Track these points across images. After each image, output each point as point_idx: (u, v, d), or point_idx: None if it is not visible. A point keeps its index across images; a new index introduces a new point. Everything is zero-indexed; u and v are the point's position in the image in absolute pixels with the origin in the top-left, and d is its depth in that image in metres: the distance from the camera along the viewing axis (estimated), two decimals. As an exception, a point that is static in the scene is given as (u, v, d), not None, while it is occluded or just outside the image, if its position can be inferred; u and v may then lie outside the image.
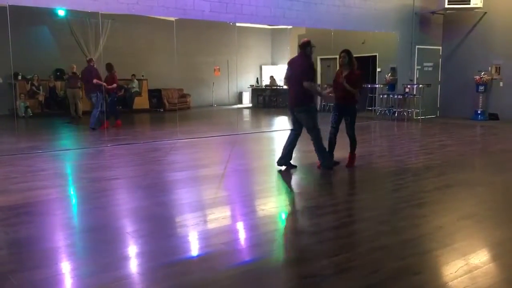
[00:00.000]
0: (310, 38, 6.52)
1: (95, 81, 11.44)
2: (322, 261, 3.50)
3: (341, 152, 7.18)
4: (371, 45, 15.15)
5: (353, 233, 4.11)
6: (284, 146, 6.82)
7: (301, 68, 6.45)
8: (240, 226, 4.52)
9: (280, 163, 6.85)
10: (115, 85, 11.75)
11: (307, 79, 6.33)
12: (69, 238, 4.15)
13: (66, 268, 3.49)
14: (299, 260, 3.60)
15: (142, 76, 16.52)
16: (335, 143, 6.91)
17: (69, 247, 3.92)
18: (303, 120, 6.60)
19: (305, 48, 6.47)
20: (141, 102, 16.52)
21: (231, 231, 4.39)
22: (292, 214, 4.83)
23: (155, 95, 17.16)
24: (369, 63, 15.88)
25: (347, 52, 6.67)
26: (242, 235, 4.27)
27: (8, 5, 7.94)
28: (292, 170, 6.78)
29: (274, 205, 5.16)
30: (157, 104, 17.19)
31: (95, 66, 11.65)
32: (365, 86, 15.17)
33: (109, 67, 11.90)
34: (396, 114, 14.36)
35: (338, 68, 6.93)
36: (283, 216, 4.80)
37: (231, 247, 3.90)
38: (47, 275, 3.28)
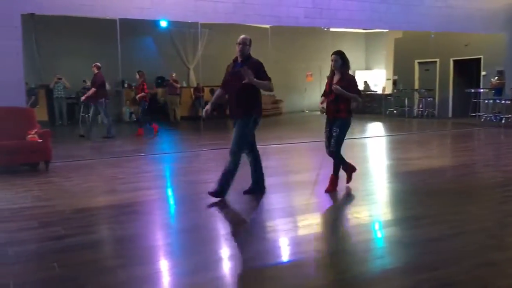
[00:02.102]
0: (244, 35, 5.43)
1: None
2: (421, 275, 3.32)
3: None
4: (475, 47, 14.23)
5: (455, 247, 3.86)
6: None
7: None
8: (334, 233, 4.44)
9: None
10: (143, 94, 11.45)
11: None
12: (168, 237, 4.38)
13: (164, 266, 3.67)
14: (396, 272, 3.45)
15: (236, 82, 16.95)
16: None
17: (167, 246, 4.12)
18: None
19: None
20: (235, 108, 16.95)
21: (324, 238, 4.34)
22: (388, 224, 4.64)
23: (248, 101, 17.49)
24: (472, 66, 14.94)
25: (339, 54, 5.63)
26: (336, 243, 4.20)
27: (118, 18, 8.60)
28: (387, 177, 6.54)
29: (368, 213, 5.00)
30: (250, 110, 17.51)
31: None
32: (468, 90, 14.28)
33: (140, 75, 11.66)
34: (503, 121, 13.29)
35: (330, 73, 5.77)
36: (378, 226, 4.63)
37: (324, 254, 3.85)
38: (149, 272, 3.48)
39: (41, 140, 7.25)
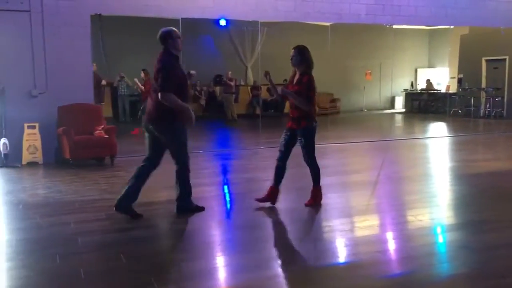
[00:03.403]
0: (172, 28, 4.95)
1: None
2: (488, 282, 3.17)
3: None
4: (549, 44, 13.37)
5: (526, 255, 3.66)
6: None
7: (155, 71, 4.74)
8: (395, 235, 4.33)
9: (119, 205, 4.69)
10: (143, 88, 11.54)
11: (160, 89, 4.55)
12: (226, 234, 4.45)
13: (221, 262, 3.72)
14: (461, 277, 3.31)
15: (294, 81, 16.92)
16: (284, 173, 5.12)
17: (224, 242, 4.19)
18: (165, 143, 4.77)
19: (165, 42, 4.84)
20: (292, 106, 16.93)
21: (386, 240, 4.24)
22: (452, 228, 4.47)
23: (306, 99, 17.41)
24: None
25: (297, 49, 4.91)
26: (397, 245, 4.09)
27: (181, 18, 8.82)
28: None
29: (432, 216, 4.83)
30: (307, 108, 17.45)
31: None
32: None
33: (145, 74, 11.61)
34: None
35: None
36: (442, 229, 4.46)
37: (385, 256, 3.77)
38: (207, 267, 3.55)
39: (107, 136, 7.59)
